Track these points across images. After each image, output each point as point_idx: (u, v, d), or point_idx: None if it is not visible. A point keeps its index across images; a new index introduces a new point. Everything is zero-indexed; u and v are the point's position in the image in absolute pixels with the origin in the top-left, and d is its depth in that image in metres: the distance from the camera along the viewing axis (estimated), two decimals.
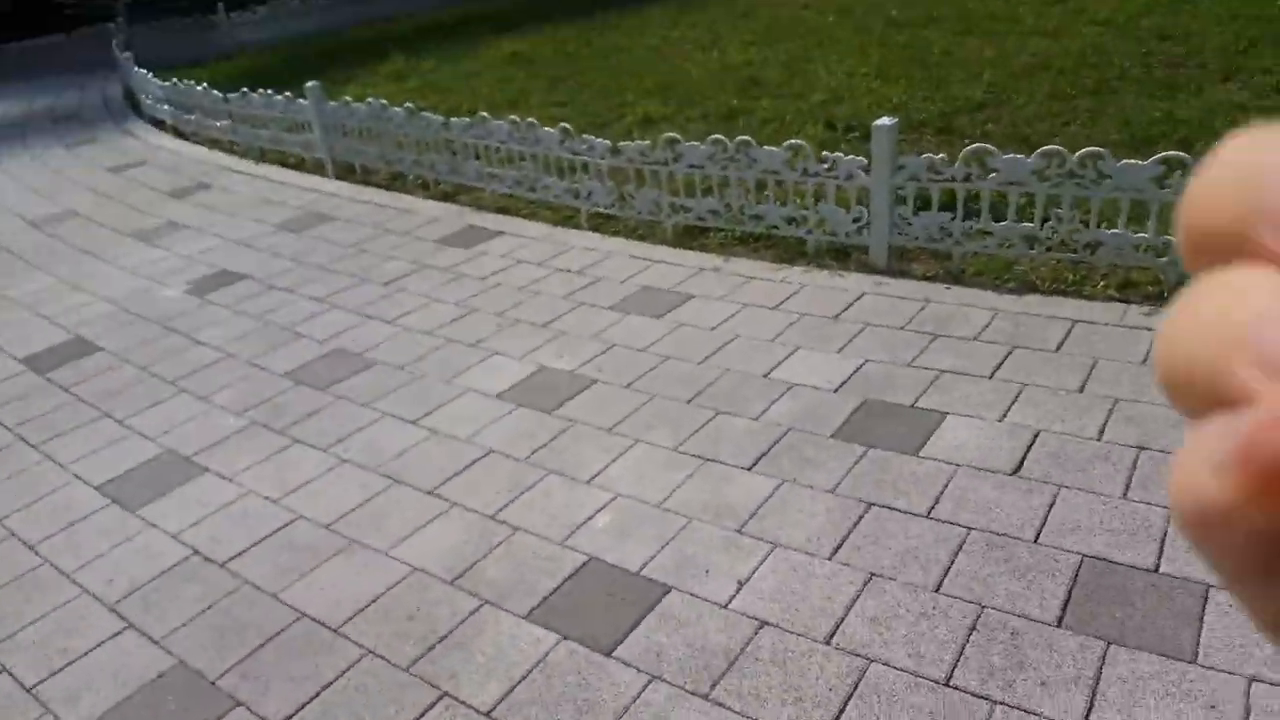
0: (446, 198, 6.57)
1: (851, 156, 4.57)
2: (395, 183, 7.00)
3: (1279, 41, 7.02)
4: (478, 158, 6.23)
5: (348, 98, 7.17)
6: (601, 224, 5.68)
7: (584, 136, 5.54)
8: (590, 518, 3.06)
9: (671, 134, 5.16)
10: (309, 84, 7.17)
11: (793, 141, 4.74)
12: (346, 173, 7.33)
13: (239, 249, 6.06)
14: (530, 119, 5.79)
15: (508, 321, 4.58)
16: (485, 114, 6.11)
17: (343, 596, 2.83)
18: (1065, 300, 4.12)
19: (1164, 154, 3.89)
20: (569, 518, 3.07)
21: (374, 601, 2.80)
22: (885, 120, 4.47)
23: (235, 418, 3.94)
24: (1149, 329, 3.79)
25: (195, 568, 3.04)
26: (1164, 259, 3.99)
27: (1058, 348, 3.73)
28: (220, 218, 6.79)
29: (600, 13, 12.67)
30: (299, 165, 7.75)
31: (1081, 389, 3.42)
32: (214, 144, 8.86)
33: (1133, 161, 3.94)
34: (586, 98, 8.56)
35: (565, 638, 2.58)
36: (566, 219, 5.88)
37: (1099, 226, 4.10)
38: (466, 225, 5.99)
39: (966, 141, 6.18)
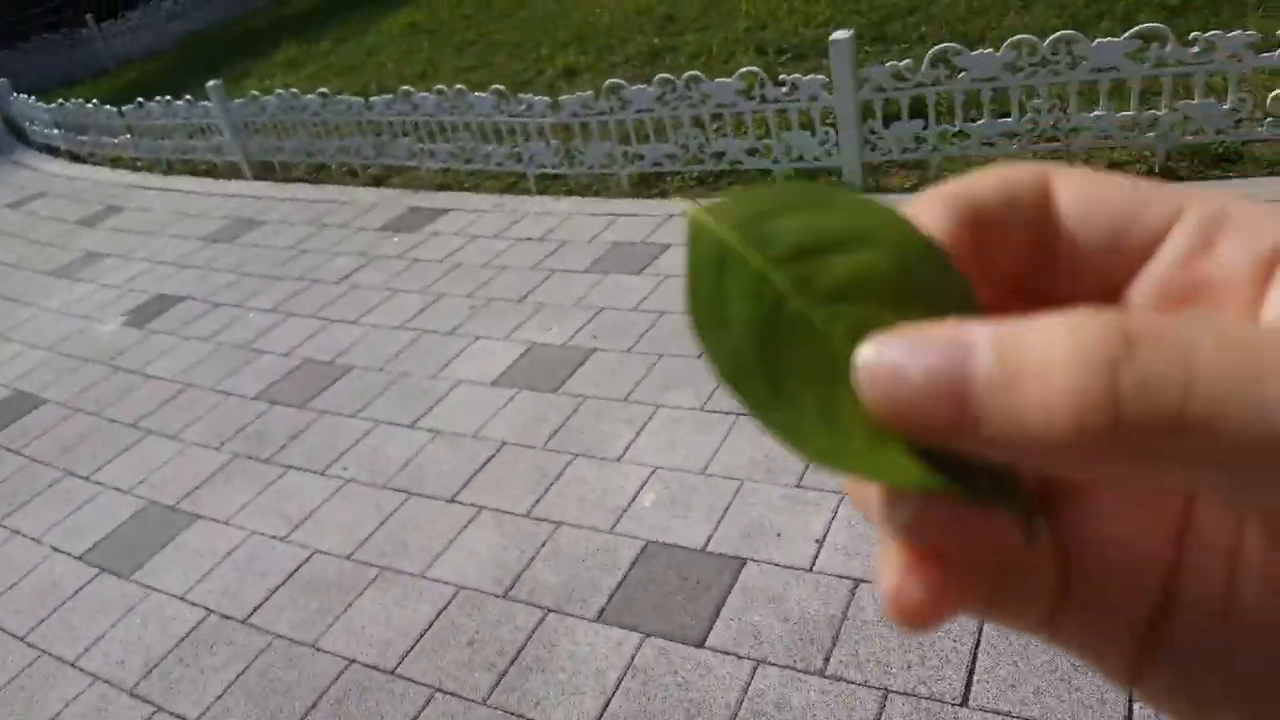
0: (378, 182, 6.18)
1: (811, 76, 4.36)
2: (320, 174, 6.56)
3: None
4: (405, 135, 5.85)
5: (254, 92, 6.67)
6: (550, 185, 5.39)
7: (520, 96, 5.21)
8: (634, 498, 2.85)
9: (615, 80, 4.88)
10: (210, 84, 6.65)
11: (748, 69, 4.50)
12: (265, 171, 6.85)
13: (170, 270, 5.60)
14: (459, 85, 5.43)
15: (481, 302, 4.30)
16: (409, 88, 5.72)
17: (390, 633, 2.58)
18: None
19: (1139, 27, 3.77)
20: (611, 502, 2.86)
21: (427, 631, 2.56)
22: (841, 33, 4.26)
23: (215, 453, 3.61)
24: None
25: (215, 629, 2.75)
26: (1152, 134, 3.89)
27: None
28: (141, 240, 6.28)
29: None
30: (211, 172, 7.23)
31: None
32: (115, 163, 8.22)
33: (1108, 40, 3.81)
34: (500, 59, 8.16)
35: (649, 635, 2.39)
36: (511, 185, 5.58)
37: (1079, 111, 3.98)
38: (408, 208, 5.64)
39: (903, 48, 6.03)
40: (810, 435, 0.20)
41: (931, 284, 0.21)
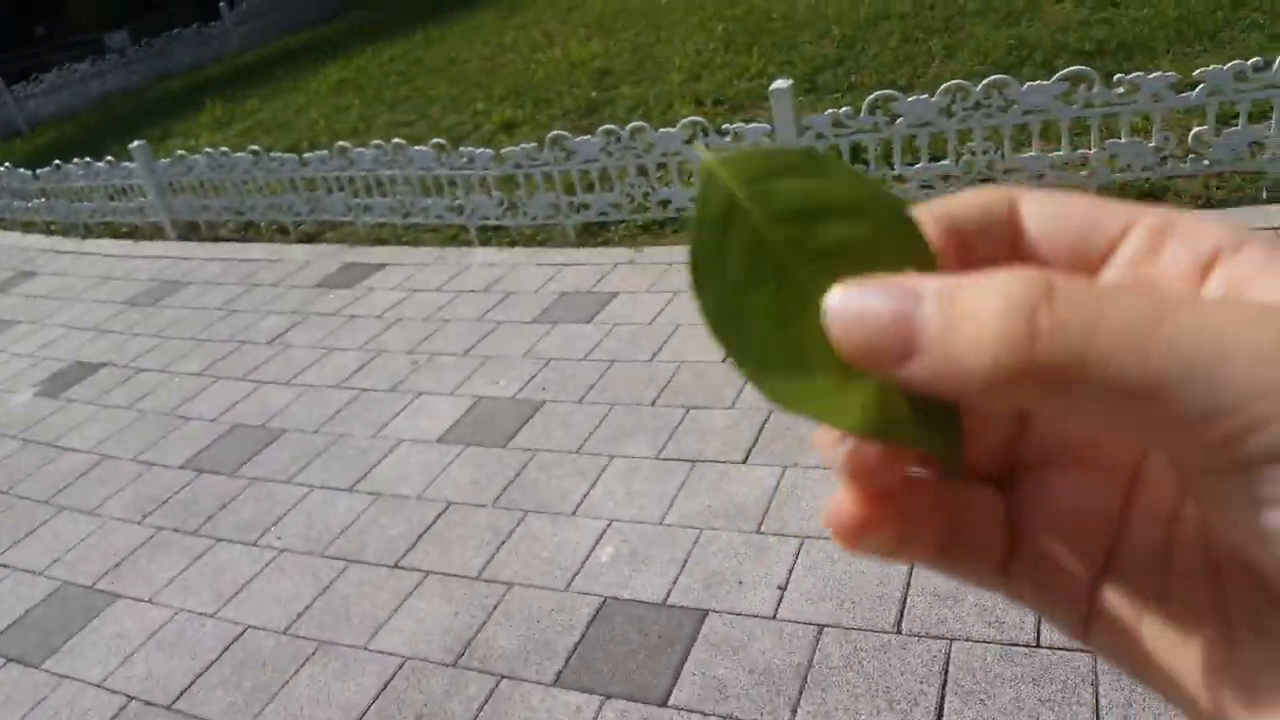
0: (311, 239, 6.02)
1: (754, 124, 4.38)
2: (248, 233, 6.38)
3: None
4: (340, 190, 5.72)
5: (181, 151, 6.49)
6: (493, 236, 5.31)
7: (462, 149, 5.15)
8: (591, 553, 2.72)
9: (559, 131, 4.84)
10: (134, 144, 6.44)
11: (692, 118, 4.51)
12: (190, 232, 6.63)
13: (89, 335, 5.33)
14: (397, 140, 5.34)
15: (423, 357, 4.16)
16: (344, 144, 5.61)
17: (330, 712, 2.39)
18: None
19: (1066, 70, 3.86)
20: (566, 559, 2.73)
21: (370, 707, 2.38)
22: (781, 82, 4.30)
23: (136, 527, 3.37)
24: None
25: (137, 718, 2.52)
26: (1083, 172, 3.98)
27: None
28: (57, 305, 5.99)
29: (421, 29, 12.15)
30: (133, 234, 6.97)
31: None
32: (27, 227, 7.89)
33: (1038, 83, 3.90)
34: (435, 113, 8.11)
35: (609, 697, 2.25)
36: (452, 238, 5.48)
37: (1013, 153, 4.05)
38: (343, 264, 5.49)
39: (835, 97, 6.15)
40: (777, 379, 0.24)
41: (904, 255, 0.24)
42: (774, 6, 8.57)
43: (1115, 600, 0.26)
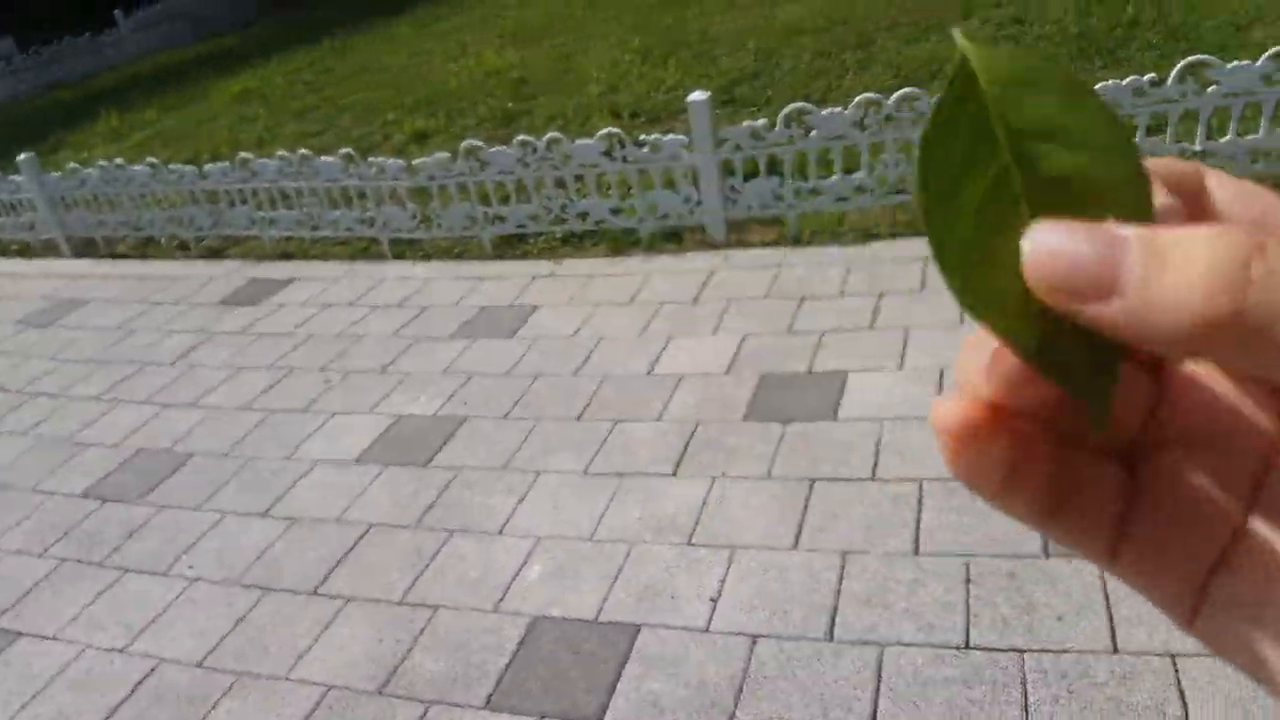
0: (214, 254, 5.80)
1: (672, 136, 4.40)
2: (148, 249, 6.11)
3: None
4: (244, 203, 5.53)
5: (73, 164, 6.17)
6: (405, 250, 5.20)
7: (372, 159, 5.03)
8: (519, 572, 2.67)
9: (473, 142, 4.78)
10: (21, 156, 6.11)
11: (609, 129, 4.50)
12: (86, 249, 6.32)
13: None
14: (302, 150, 5.20)
15: (337, 375, 4.04)
16: (247, 155, 5.42)
17: None
18: (906, 241, 4.15)
19: None
20: (494, 578, 2.67)
21: None
22: (699, 94, 4.33)
23: (37, 560, 3.18)
24: None
25: None
26: None
27: (922, 286, 3.74)
28: None
29: (330, 37, 11.88)
30: (24, 252, 6.61)
31: (963, 320, 3.42)
32: None
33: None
34: (345, 123, 7.93)
35: (542, 717, 2.20)
36: (363, 251, 5.35)
37: None
38: (249, 279, 5.30)
39: (752, 110, 6.23)
40: (966, 276, 0.24)
41: (1127, 207, 0.24)
42: (691, 21, 8.67)
43: (1230, 591, 0.25)
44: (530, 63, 8.38)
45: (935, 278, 3.75)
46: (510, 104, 7.29)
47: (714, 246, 4.50)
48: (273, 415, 3.83)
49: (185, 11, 16.12)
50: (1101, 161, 0.24)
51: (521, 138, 4.67)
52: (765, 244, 4.44)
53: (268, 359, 4.32)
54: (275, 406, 3.89)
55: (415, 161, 4.94)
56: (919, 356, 3.26)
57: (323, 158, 5.13)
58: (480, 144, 4.77)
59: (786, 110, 4.23)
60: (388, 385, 3.84)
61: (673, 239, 4.67)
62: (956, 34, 0.25)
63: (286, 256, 5.54)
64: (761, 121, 4.28)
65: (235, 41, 13.86)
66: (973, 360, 0.26)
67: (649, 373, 3.51)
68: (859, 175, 4.25)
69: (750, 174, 4.50)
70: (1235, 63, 3.70)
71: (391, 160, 4.98)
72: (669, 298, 4.08)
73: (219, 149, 7.85)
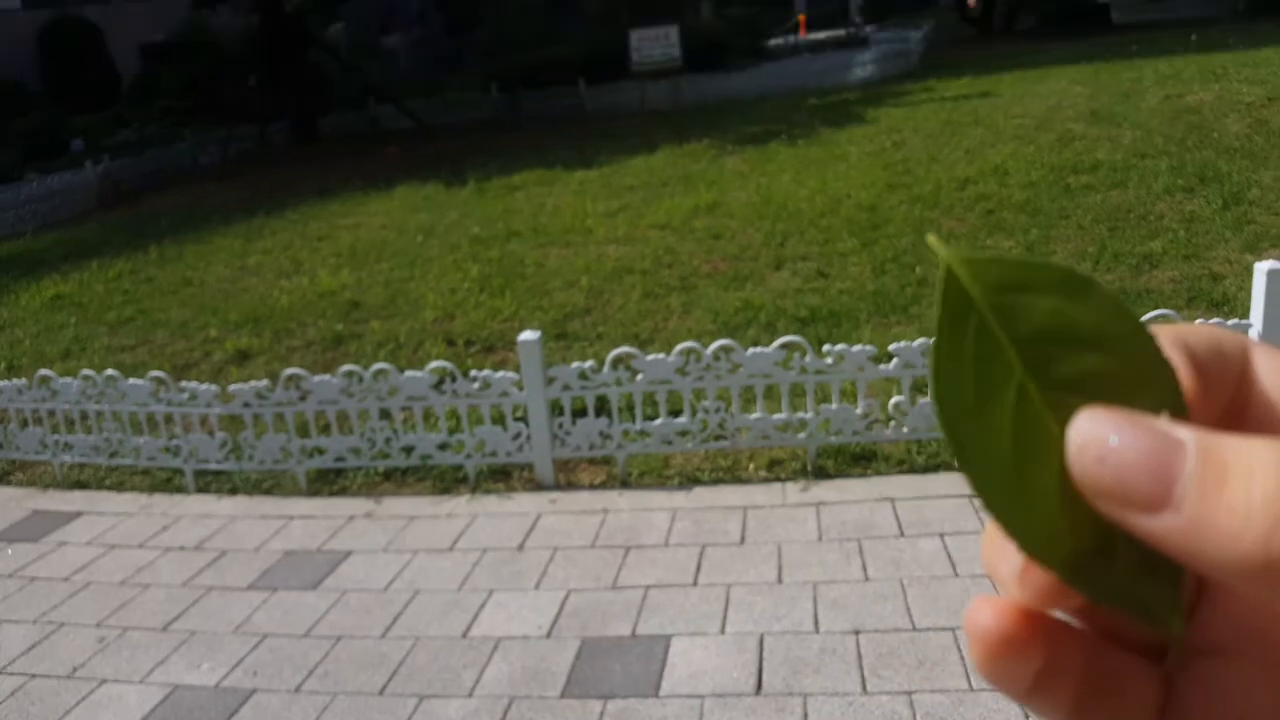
0: None
1: (503, 373, 4.43)
2: None
3: (803, 234, 8.41)
4: (37, 424, 5.07)
5: None
6: (212, 482, 4.86)
7: (184, 384, 4.77)
8: None
9: (295, 370, 4.63)
10: None
11: (439, 363, 4.48)
12: None
13: None
14: (109, 371, 4.88)
15: (114, 632, 3.59)
16: (48, 372, 5.04)
17: None
18: (728, 488, 4.25)
19: (783, 339, 4.27)
20: None
21: None
22: (529, 334, 4.42)
23: None
24: (808, 504, 4.01)
25: None
26: (802, 434, 4.31)
27: (742, 540, 3.78)
28: None
29: (156, 244, 11.57)
30: None
31: (780, 579, 3.46)
32: None
33: (760, 349, 4.27)
34: (161, 338, 7.57)
35: None
36: (165, 482, 4.96)
37: (741, 412, 4.35)
38: (30, 512, 4.78)
39: (583, 345, 6.43)
40: (1005, 499, 0.23)
41: (1157, 398, 0.23)
42: (527, 254, 9.01)
43: None
44: (365, 284, 8.40)
45: (755, 530, 3.82)
46: (340, 326, 7.20)
47: (541, 487, 4.45)
48: (32, 682, 3.33)
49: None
50: (1118, 355, 0.23)
51: (348, 367, 4.58)
52: (594, 485, 4.43)
53: (35, 610, 3.81)
54: (36, 671, 3.40)
55: (231, 387, 4.72)
56: (740, 619, 3.23)
57: (131, 380, 4.82)
58: (303, 372, 4.64)
59: (614, 353, 4.36)
60: (169, 646, 3.44)
61: (500, 477, 4.60)
62: (932, 240, 0.25)
63: (78, 486, 5.06)
64: (590, 363, 4.39)
65: (52, 242, 13.27)
66: (999, 556, 0.25)
67: (465, 634, 3.31)
68: (683, 419, 4.38)
69: (579, 411, 4.55)
70: None
71: (205, 386, 4.74)
72: (493, 544, 3.95)
73: (19, 360, 7.29)
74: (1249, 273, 4.14)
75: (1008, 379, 0.24)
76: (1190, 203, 7.51)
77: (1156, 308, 5.35)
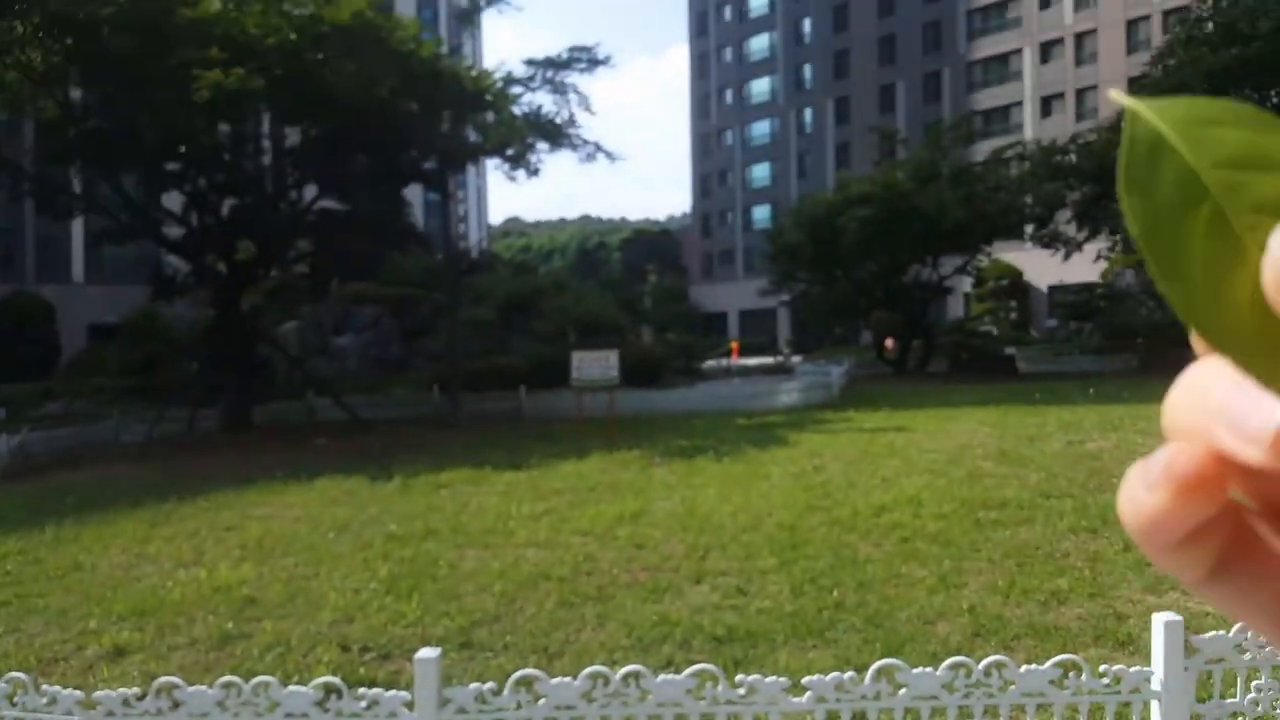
0: None
1: (394, 692, 4.12)
2: None
3: (725, 549, 8.43)
4: None
5: None
6: None
7: (45, 688, 4.32)
8: None
9: (169, 678, 4.25)
10: None
11: (326, 679, 4.17)
12: None
13: None
14: None
15: None
16: None
17: None
18: None
19: (696, 666, 4.11)
20: None
21: None
22: (427, 651, 4.17)
23: None
24: None
25: None
26: None
27: None
28: None
29: (53, 524, 11.03)
30: None
31: None
32: None
33: (670, 677, 4.09)
34: (34, 627, 6.99)
35: None
36: None
37: None
38: None
39: (488, 656, 6.10)
40: (1201, 311, 0.25)
41: None
42: (443, 554, 8.80)
43: None
44: (266, 580, 8.01)
45: None
46: (230, 625, 6.75)
47: None
48: None
49: None
50: None
51: (225, 679, 4.21)
52: None
53: None
54: None
55: (95, 694, 4.28)
56: None
57: None
58: (177, 680, 4.25)
59: (516, 675, 4.12)
60: None
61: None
62: (1114, 94, 0.26)
63: None
64: (490, 685, 4.13)
65: None
66: (1186, 403, 0.26)
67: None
68: None
69: None
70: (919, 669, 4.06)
71: (67, 691, 4.29)
72: None
73: None
74: (1150, 613, 4.24)
75: (1200, 202, 0.25)
76: (1094, 543, 7.81)
77: (1064, 645, 5.36)
